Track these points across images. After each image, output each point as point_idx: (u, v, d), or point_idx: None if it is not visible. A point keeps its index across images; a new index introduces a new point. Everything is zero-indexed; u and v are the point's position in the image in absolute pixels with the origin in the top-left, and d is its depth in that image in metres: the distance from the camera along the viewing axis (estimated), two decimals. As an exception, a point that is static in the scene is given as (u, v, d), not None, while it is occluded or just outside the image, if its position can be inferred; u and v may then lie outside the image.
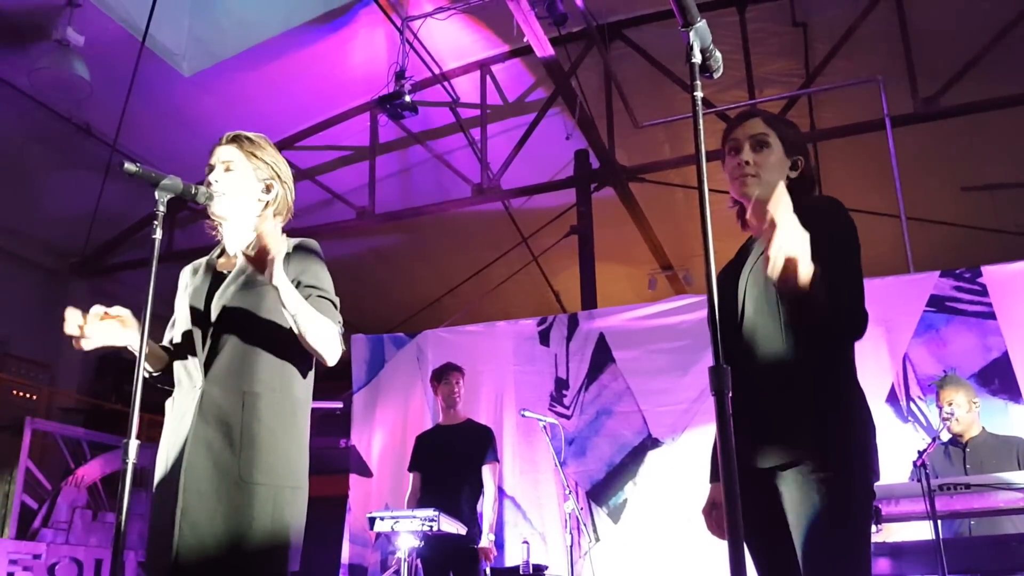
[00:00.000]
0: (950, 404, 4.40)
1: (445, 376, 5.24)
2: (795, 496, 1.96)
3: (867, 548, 1.97)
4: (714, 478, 2.31)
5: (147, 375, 2.36)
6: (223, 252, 2.48)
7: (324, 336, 2.22)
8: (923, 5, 6.75)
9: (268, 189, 2.44)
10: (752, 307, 2.13)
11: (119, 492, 1.95)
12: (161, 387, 2.40)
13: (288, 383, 2.29)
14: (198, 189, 2.30)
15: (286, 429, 2.25)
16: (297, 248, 2.38)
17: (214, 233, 2.50)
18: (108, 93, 6.43)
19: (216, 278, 2.38)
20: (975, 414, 4.46)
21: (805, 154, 2.27)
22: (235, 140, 2.44)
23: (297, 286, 2.29)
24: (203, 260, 2.48)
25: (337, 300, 2.37)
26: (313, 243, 2.44)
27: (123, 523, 1.93)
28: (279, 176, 2.46)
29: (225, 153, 2.42)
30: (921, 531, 4.00)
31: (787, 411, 2.02)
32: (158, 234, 2.17)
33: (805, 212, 2.13)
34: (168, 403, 2.33)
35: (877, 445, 2.04)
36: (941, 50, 6.67)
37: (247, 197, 2.42)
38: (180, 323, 2.36)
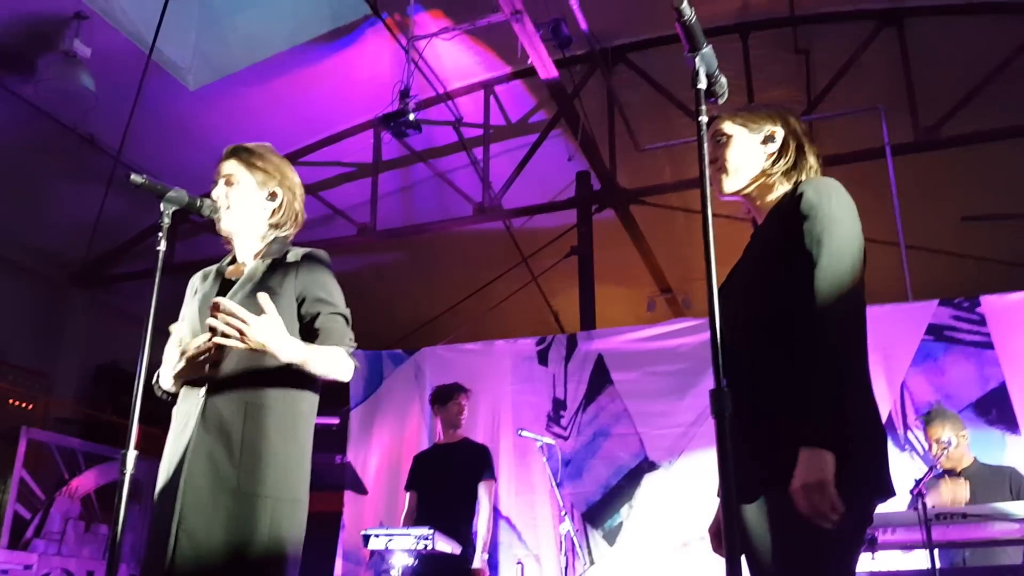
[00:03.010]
0: (938, 441, 4.39)
1: (453, 396, 5.18)
2: (782, 511, 1.94)
3: (851, 565, 1.92)
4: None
5: (166, 396, 2.37)
6: (233, 260, 2.48)
7: (334, 368, 2.26)
8: (924, 35, 6.79)
9: (272, 197, 2.44)
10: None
11: (115, 503, 1.94)
12: (166, 398, 2.39)
13: (292, 395, 2.27)
14: (203, 202, 2.31)
15: (287, 441, 2.24)
16: (305, 258, 2.39)
17: (227, 245, 2.49)
18: (113, 105, 6.45)
19: (224, 285, 2.39)
20: (964, 446, 4.45)
21: (778, 121, 2.17)
22: (234, 153, 2.44)
23: (303, 301, 2.31)
24: (214, 267, 2.49)
25: (348, 312, 2.37)
26: (322, 253, 2.43)
27: (119, 535, 1.92)
28: (283, 183, 2.45)
29: (225, 167, 2.43)
30: (918, 560, 3.99)
31: (783, 430, 2.00)
32: (162, 246, 2.18)
33: (780, 214, 2.06)
34: (174, 411, 2.32)
35: (886, 461, 2.01)
36: (942, 80, 6.71)
37: (252, 208, 2.42)
38: (186, 328, 2.35)
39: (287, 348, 2.14)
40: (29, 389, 8.14)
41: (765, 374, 1.96)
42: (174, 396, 2.34)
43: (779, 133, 2.16)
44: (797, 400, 1.80)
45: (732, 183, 2.16)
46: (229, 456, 2.15)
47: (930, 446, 4.41)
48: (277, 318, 2.13)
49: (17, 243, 8.36)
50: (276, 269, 2.36)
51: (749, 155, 2.16)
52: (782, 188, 2.13)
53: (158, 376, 2.38)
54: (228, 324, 2.08)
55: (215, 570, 2.07)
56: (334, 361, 2.25)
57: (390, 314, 9.58)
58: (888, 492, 1.90)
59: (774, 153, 2.15)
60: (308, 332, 2.30)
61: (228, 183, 2.41)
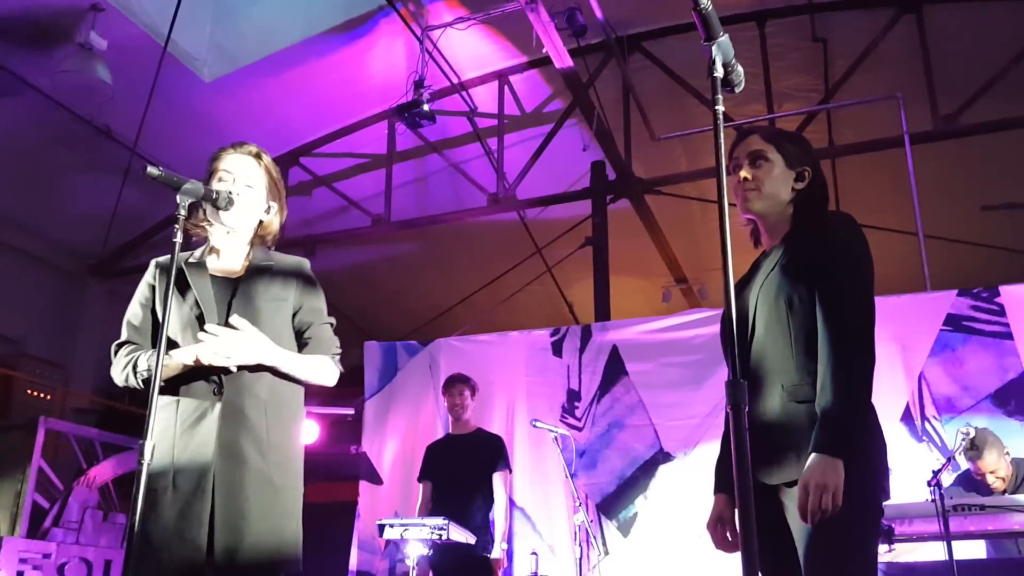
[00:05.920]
0: (992, 473, 4.34)
1: (448, 388, 5.28)
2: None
3: (872, 566, 1.96)
4: (718, 489, 2.32)
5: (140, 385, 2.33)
6: (210, 251, 2.47)
7: (317, 374, 2.40)
8: (943, 23, 6.73)
9: (268, 211, 2.52)
10: (763, 324, 2.13)
11: (133, 493, 1.95)
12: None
13: (295, 391, 2.39)
14: (219, 193, 2.32)
15: (297, 435, 2.38)
16: (301, 270, 2.50)
17: (198, 233, 2.48)
18: (129, 97, 6.48)
19: (222, 284, 2.38)
20: (1009, 462, 4.40)
21: (812, 164, 2.29)
22: (259, 156, 2.48)
23: (300, 308, 2.44)
24: (184, 262, 2.40)
25: (333, 320, 2.51)
26: (309, 267, 2.54)
27: (136, 524, 1.93)
28: (282, 201, 2.56)
29: (247, 168, 2.45)
30: (935, 552, 3.97)
31: (796, 428, 2.01)
32: (179, 237, 2.19)
33: (809, 233, 2.15)
34: (170, 402, 2.25)
35: (887, 464, 2.03)
36: (961, 68, 6.64)
37: (256, 215, 2.49)
38: (177, 326, 2.31)
39: (275, 358, 2.29)
40: (47, 380, 8.21)
41: (790, 383, 2.07)
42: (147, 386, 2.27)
43: (810, 174, 2.27)
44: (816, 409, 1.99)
45: (761, 206, 2.26)
46: (259, 452, 2.23)
47: (983, 476, 4.33)
48: (259, 334, 2.26)
49: (34, 235, 8.42)
50: (276, 275, 2.44)
51: (783, 185, 2.25)
52: (792, 218, 2.26)
53: (141, 368, 2.32)
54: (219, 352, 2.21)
55: (254, 561, 2.15)
56: (317, 368, 2.40)
57: (404, 305, 9.61)
58: (887, 495, 2.06)
59: (801, 190, 2.26)
60: (299, 338, 2.44)
61: (249, 186, 2.43)
